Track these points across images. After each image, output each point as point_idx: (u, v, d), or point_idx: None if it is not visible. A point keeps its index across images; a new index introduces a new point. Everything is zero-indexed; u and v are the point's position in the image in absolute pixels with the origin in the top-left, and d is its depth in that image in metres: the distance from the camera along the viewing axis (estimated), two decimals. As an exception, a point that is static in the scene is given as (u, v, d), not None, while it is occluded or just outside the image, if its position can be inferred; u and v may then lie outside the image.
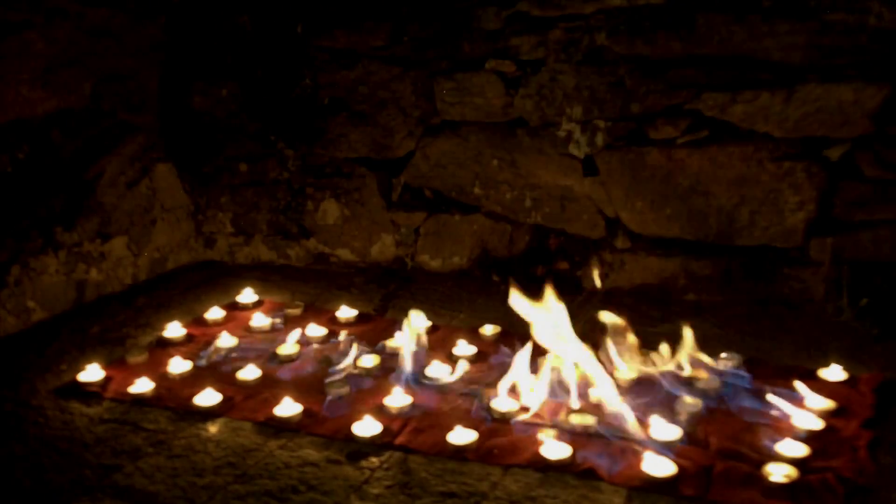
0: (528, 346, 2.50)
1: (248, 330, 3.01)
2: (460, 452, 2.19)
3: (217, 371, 2.70)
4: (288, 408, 2.40)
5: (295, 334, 2.88)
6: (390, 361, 2.68)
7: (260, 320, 3.05)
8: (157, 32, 3.57)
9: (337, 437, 2.29)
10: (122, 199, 3.53)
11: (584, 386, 2.41)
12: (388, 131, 3.57)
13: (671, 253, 3.23)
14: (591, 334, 2.53)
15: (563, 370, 2.44)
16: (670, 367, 2.51)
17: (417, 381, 2.57)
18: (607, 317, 2.56)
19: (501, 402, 2.38)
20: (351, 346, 2.75)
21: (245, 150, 3.77)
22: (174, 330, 2.96)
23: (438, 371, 2.62)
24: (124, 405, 2.50)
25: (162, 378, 2.63)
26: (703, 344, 2.62)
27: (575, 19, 3.16)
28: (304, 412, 2.40)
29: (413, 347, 2.68)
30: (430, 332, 2.89)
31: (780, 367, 2.61)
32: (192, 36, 3.69)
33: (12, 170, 3.04)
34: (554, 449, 2.15)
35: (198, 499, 2.03)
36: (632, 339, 2.54)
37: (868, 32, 2.78)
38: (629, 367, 2.53)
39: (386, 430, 2.29)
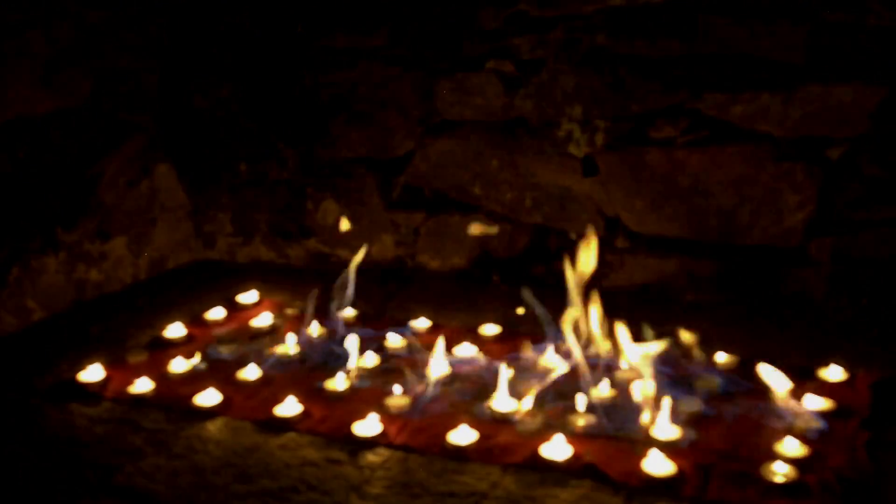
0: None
1: (248, 330, 3.01)
2: (460, 452, 2.19)
3: (217, 371, 2.70)
4: (288, 407, 2.40)
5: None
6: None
7: (260, 320, 3.05)
8: (157, 32, 3.58)
9: (337, 436, 2.29)
10: (122, 199, 3.53)
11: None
12: (388, 131, 3.56)
13: (671, 253, 3.22)
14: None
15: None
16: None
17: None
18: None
19: (501, 403, 2.39)
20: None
21: (245, 150, 3.77)
22: (174, 330, 2.96)
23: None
24: (124, 405, 2.50)
25: (162, 378, 2.62)
26: (704, 344, 2.62)
27: (575, 19, 3.15)
28: (304, 412, 2.40)
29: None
30: (430, 331, 2.89)
31: (780, 366, 2.61)
32: (192, 36, 3.69)
33: (12, 169, 3.04)
34: (554, 449, 2.15)
35: (198, 499, 2.04)
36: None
37: (867, 32, 2.78)
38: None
39: (386, 430, 2.29)
